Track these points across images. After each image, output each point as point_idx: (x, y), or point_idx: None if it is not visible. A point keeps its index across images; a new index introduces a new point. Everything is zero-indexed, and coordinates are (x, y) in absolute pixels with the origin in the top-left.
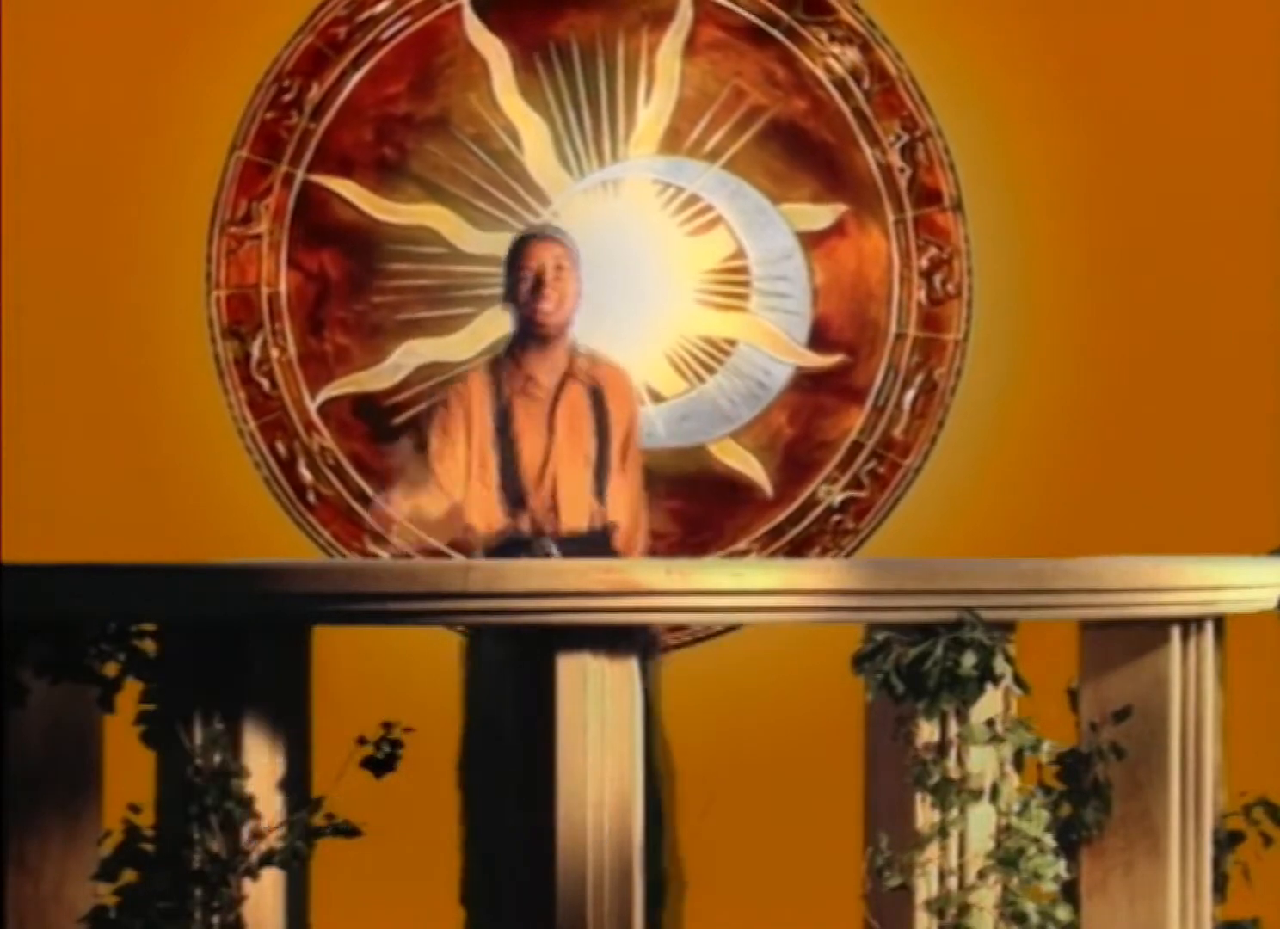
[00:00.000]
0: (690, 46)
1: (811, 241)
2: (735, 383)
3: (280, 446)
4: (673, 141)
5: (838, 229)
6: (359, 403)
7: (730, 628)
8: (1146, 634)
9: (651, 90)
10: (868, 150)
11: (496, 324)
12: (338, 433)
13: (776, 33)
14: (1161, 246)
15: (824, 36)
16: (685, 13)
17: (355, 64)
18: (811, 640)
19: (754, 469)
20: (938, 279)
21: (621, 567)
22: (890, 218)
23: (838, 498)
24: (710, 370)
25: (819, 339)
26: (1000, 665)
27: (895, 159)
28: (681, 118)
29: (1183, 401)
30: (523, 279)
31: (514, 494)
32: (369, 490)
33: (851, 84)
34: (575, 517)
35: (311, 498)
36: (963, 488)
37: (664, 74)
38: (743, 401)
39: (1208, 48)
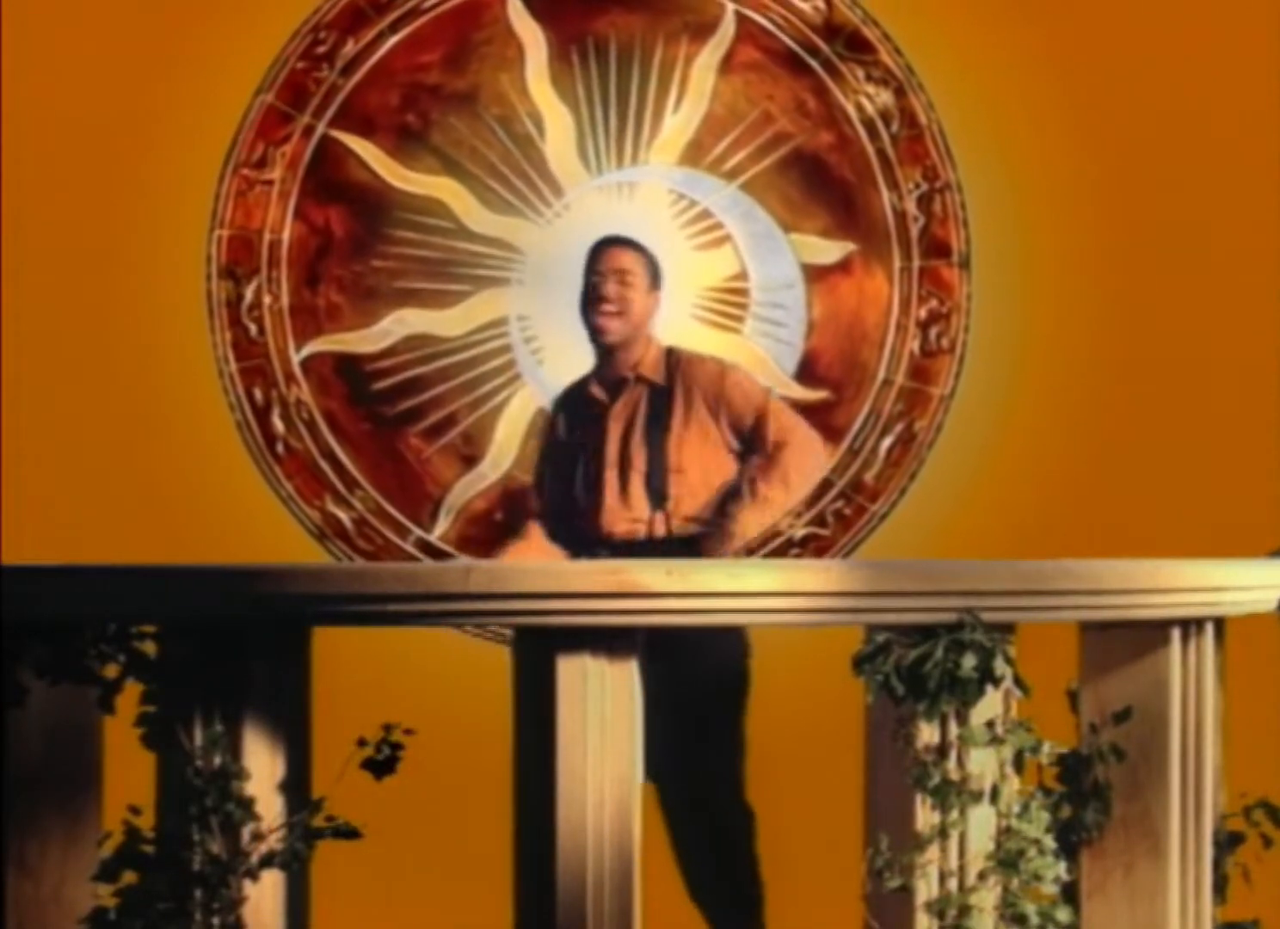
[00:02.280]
0: (727, 63)
1: (815, 275)
2: None
3: (257, 393)
4: (694, 154)
5: (843, 267)
6: (342, 362)
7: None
8: (1146, 635)
9: (681, 100)
10: (885, 194)
11: (490, 305)
12: (316, 388)
13: (814, 63)
14: (1165, 316)
15: (861, 74)
16: (727, 29)
17: (394, 27)
18: (812, 641)
19: None
20: (933, 332)
21: (622, 568)
22: (896, 264)
23: (799, 532)
24: None
25: (806, 373)
26: (1000, 667)
27: (911, 207)
28: (706, 132)
29: (1183, 403)
30: (589, 284)
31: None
32: (337, 447)
33: (880, 125)
34: (615, 527)
35: (280, 449)
36: (927, 538)
37: (696, 86)
38: None
39: (1233, 125)
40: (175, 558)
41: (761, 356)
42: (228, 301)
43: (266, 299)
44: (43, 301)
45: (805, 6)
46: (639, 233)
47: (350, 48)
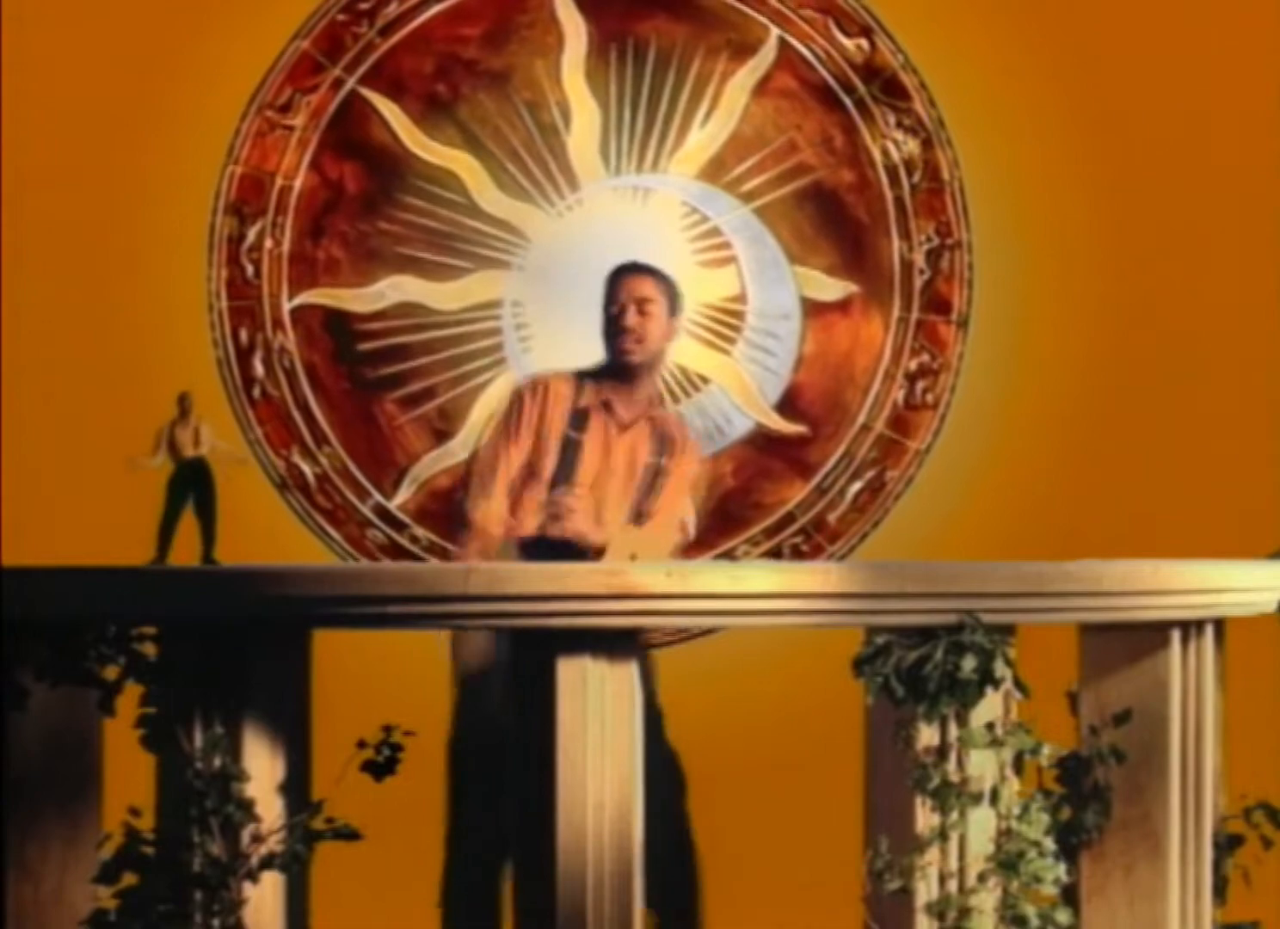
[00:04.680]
0: (762, 86)
1: (814, 310)
2: (695, 420)
3: (243, 334)
4: (714, 171)
5: (842, 306)
6: (331, 317)
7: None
8: (1146, 637)
9: (711, 115)
10: (896, 242)
11: (487, 286)
12: (302, 339)
13: (848, 101)
14: (1158, 361)
15: (892, 120)
16: (768, 53)
17: None
18: (811, 643)
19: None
20: (920, 386)
21: (622, 570)
22: (895, 313)
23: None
24: (676, 400)
25: (788, 405)
26: (1000, 668)
27: (919, 258)
28: (730, 151)
29: (1182, 404)
30: (609, 311)
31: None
32: (312, 401)
33: (902, 173)
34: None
35: (256, 393)
36: None
37: (728, 104)
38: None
39: (1243, 203)
40: (131, 486)
41: (746, 381)
42: (229, 238)
43: (268, 242)
44: (47, 222)
45: (849, 44)
46: (645, 238)
47: (393, 8)
